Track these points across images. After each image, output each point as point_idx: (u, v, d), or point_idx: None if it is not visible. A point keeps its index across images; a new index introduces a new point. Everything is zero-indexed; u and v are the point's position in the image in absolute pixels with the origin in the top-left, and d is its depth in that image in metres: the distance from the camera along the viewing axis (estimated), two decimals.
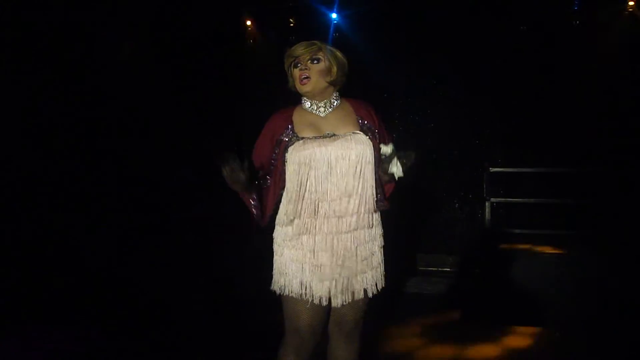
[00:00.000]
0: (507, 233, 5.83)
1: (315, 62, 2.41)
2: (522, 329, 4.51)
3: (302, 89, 2.43)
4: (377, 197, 2.41)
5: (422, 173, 6.63)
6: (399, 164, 2.33)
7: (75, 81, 6.12)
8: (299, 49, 2.42)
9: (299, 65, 2.43)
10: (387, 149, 2.34)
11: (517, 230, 5.86)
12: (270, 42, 7.15)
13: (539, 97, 6.61)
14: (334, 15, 6.84)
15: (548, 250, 5.45)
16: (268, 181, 2.48)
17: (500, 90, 6.84)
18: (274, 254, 2.44)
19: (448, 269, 5.60)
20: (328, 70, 2.42)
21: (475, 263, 5.48)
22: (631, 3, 6.19)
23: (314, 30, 6.62)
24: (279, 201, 2.43)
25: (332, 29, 6.80)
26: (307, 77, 2.40)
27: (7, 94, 5.48)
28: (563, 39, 6.48)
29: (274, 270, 2.43)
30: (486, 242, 5.87)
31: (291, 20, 6.98)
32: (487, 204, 5.92)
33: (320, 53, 2.42)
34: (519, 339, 4.32)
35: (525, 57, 6.61)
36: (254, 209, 2.45)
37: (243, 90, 6.60)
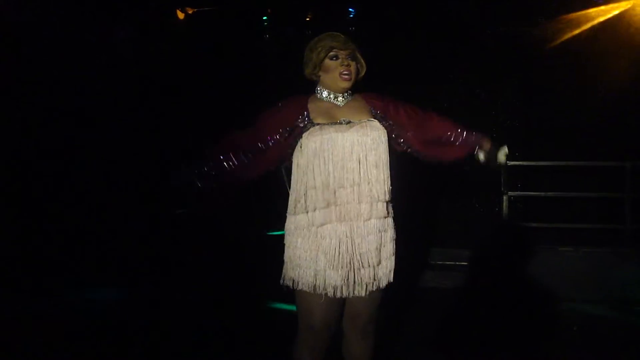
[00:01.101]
0: (525, 227, 5.81)
1: (352, 59, 2.46)
2: (538, 322, 4.52)
3: (342, 84, 2.44)
4: (390, 186, 2.42)
5: (439, 167, 6.63)
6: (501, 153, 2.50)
7: (81, 81, 6.21)
8: (339, 41, 2.43)
9: (338, 58, 2.43)
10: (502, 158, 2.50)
11: (535, 224, 5.83)
12: (287, 37, 7.16)
13: (556, 90, 6.57)
14: (350, 10, 6.83)
15: (566, 244, 5.43)
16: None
17: (517, 83, 6.81)
18: (286, 245, 2.40)
19: (465, 263, 5.58)
20: (358, 70, 2.49)
21: (493, 257, 5.46)
22: None
23: (330, 25, 6.61)
24: (262, 176, 2.45)
25: (348, 23, 6.79)
26: (349, 73, 2.43)
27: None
28: (582, 31, 6.42)
29: (285, 263, 2.40)
30: (504, 236, 5.85)
31: (308, 15, 6.98)
32: (504, 197, 5.90)
33: (355, 51, 2.47)
34: (535, 332, 4.32)
35: (541, 49, 6.56)
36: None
37: (260, 85, 6.61)
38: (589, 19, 6.42)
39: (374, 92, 2.59)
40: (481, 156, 2.52)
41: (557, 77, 6.51)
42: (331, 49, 2.43)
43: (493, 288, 5.12)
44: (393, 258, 2.43)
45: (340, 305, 2.39)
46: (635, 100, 6.14)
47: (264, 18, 7.23)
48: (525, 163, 6.42)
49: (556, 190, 6.08)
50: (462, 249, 5.66)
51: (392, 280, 2.42)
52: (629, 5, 6.24)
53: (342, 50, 2.43)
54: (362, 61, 2.50)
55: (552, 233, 5.80)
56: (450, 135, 2.52)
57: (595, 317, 4.68)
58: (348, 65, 2.43)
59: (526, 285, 5.14)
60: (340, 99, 2.47)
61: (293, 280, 2.35)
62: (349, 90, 2.50)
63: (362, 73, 2.51)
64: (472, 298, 5.12)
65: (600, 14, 6.38)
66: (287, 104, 2.47)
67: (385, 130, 2.41)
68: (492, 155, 2.51)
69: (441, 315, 4.68)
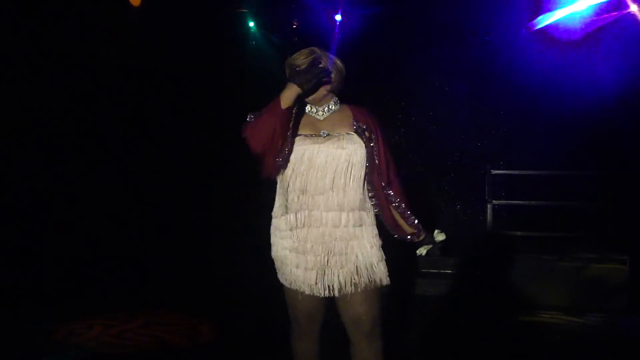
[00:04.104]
0: (509, 235, 5.84)
1: None
2: (522, 330, 4.53)
3: (306, 97, 2.48)
4: (371, 199, 2.51)
5: (424, 175, 6.66)
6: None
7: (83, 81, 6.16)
8: (300, 59, 2.48)
9: None
10: (440, 237, 2.59)
11: (519, 233, 5.87)
12: (273, 44, 7.17)
13: (540, 99, 6.62)
14: (337, 17, 6.84)
15: (550, 252, 5.45)
16: None
17: (501, 92, 6.86)
18: (271, 245, 2.58)
19: (450, 271, 5.59)
20: (330, 78, 2.48)
21: (476, 265, 5.48)
22: (633, 7, 6.17)
23: (317, 32, 6.63)
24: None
25: (335, 30, 6.80)
26: None
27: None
28: (565, 40, 6.49)
29: (274, 262, 2.58)
30: (488, 244, 5.88)
31: (294, 22, 6.99)
32: (488, 206, 5.93)
33: (322, 62, 2.47)
34: (519, 340, 4.34)
35: (527, 58, 6.62)
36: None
37: (246, 92, 6.60)
38: (573, 29, 6.48)
39: (364, 106, 2.61)
40: (422, 250, 2.60)
41: (542, 86, 6.56)
42: (294, 67, 2.49)
43: (477, 296, 5.13)
44: (380, 265, 2.47)
45: (321, 302, 2.52)
46: (619, 110, 6.20)
47: (251, 25, 7.23)
48: (509, 172, 6.46)
49: (540, 199, 6.12)
50: (446, 257, 5.67)
51: (384, 284, 2.48)
52: (615, 15, 6.30)
53: (302, 65, 2.46)
54: (332, 67, 2.49)
55: (535, 241, 5.83)
56: (400, 202, 2.56)
57: (579, 326, 4.70)
58: None
59: (510, 294, 5.16)
60: (321, 113, 2.55)
61: (280, 276, 2.57)
62: (330, 102, 2.56)
63: (333, 77, 2.50)
64: (456, 306, 5.13)
65: (585, 24, 6.44)
66: None
67: (363, 144, 2.48)
68: (430, 240, 2.59)
69: (425, 323, 4.68)
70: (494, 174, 6.10)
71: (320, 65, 2.40)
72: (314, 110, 2.55)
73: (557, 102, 6.49)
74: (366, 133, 2.51)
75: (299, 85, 2.34)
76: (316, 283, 2.44)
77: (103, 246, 5.97)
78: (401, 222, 2.57)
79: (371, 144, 2.50)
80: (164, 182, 6.59)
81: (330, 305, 2.54)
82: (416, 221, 2.57)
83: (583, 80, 6.30)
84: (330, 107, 2.55)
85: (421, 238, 2.58)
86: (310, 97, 2.49)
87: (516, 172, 6.43)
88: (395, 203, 2.55)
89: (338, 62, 2.53)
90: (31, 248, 5.57)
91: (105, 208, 6.22)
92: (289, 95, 2.34)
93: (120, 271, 5.70)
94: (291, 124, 2.42)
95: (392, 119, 6.84)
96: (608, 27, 6.30)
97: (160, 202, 6.52)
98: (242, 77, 6.86)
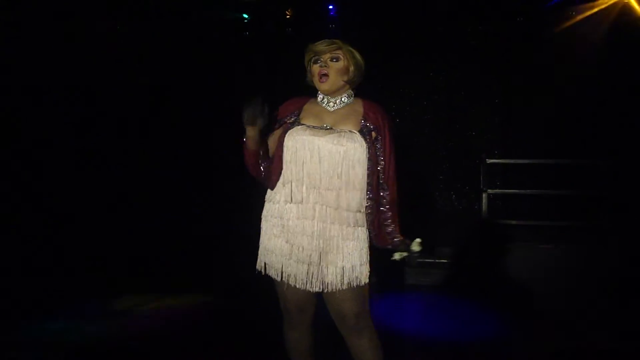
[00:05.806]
0: (504, 224, 5.85)
1: (334, 60, 2.48)
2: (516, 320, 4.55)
3: (321, 87, 2.50)
4: (366, 200, 2.46)
5: (419, 165, 6.66)
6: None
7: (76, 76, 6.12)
8: (321, 46, 2.48)
9: (319, 61, 2.49)
10: (417, 247, 2.48)
11: (514, 222, 5.87)
12: (266, 34, 7.12)
13: (535, 88, 6.62)
14: (330, 7, 6.81)
15: (544, 241, 5.47)
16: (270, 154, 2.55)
17: (496, 81, 6.85)
18: (261, 231, 2.54)
19: (445, 261, 5.61)
20: (346, 70, 2.49)
21: (472, 255, 5.49)
22: None
23: (310, 23, 6.60)
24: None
25: (328, 21, 6.77)
26: (326, 75, 2.47)
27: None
28: (560, 29, 6.48)
29: (259, 249, 2.54)
30: (483, 233, 5.88)
31: (287, 12, 6.94)
32: (483, 195, 5.93)
33: (340, 52, 2.49)
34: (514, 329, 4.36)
35: (521, 47, 6.61)
36: (261, 166, 2.50)
37: (240, 82, 6.57)
38: (569, 17, 6.47)
39: (378, 104, 2.60)
40: (396, 256, 2.52)
41: (537, 75, 6.56)
42: (314, 54, 2.50)
43: (472, 285, 5.15)
44: (363, 267, 2.44)
45: (311, 294, 2.49)
46: (613, 99, 6.20)
47: (245, 15, 7.19)
48: (504, 161, 6.47)
49: (535, 188, 6.13)
50: (441, 247, 5.68)
51: (364, 283, 2.44)
52: (608, 4, 6.30)
53: (322, 53, 2.48)
54: (352, 61, 2.51)
55: (531, 230, 5.83)
56: (389, 209, 2.52)
57: (573, 314, 4.72)
58: (324, 66, 2.47)
59: (505, 282, 5.18)
60: (332, 104, 2.53)
61: (265, 265, 2.51)
62: (344, 95, 2.54)
63: (351, 69, 2.50)
64: (451, 295, 5.15)
65: (580, 12, 6.43)
66: (289, 101, 2.59)
67: (365, 144, 2.43)
68: (406, 248, 2.50)
69: (419, 312, 4.70)
70: (489, 163, 6.09)
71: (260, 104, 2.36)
72: (325, 100, 2.54)
73: (553, 90, 6.50)
74: (372, 133, 2.48)
75: (250, 124, 2.35)
76: (305, 277, 2.43)
77: (100, 242, 5.95)
78: (383, 231, 2.52)
79: (377, 145, 2.48)
80: (165, 181, 6.56)
81: (321, 297, 2.53)
82: (394, 234, 2.51)
83: (579, 68, 6.31)
84: (342, 99, 2.54)
85: (398, 246, 2.51)
86: (326, 87, 2.48)
87: (511, 160, 6.44)
88: (384, 207, 2.51)
89: (358, 56, 2.53)
90: (32, 250, 5.55)
91: (105, 205, 6.21)
92: (250, 136, 2.40)
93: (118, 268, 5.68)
94: (270, 142, 2.51)
95: (386, 108, 6.81)
96: (602, 14, 6.30)
97: (160, 200, 6.50)
98: (240, 70, 6.83)
